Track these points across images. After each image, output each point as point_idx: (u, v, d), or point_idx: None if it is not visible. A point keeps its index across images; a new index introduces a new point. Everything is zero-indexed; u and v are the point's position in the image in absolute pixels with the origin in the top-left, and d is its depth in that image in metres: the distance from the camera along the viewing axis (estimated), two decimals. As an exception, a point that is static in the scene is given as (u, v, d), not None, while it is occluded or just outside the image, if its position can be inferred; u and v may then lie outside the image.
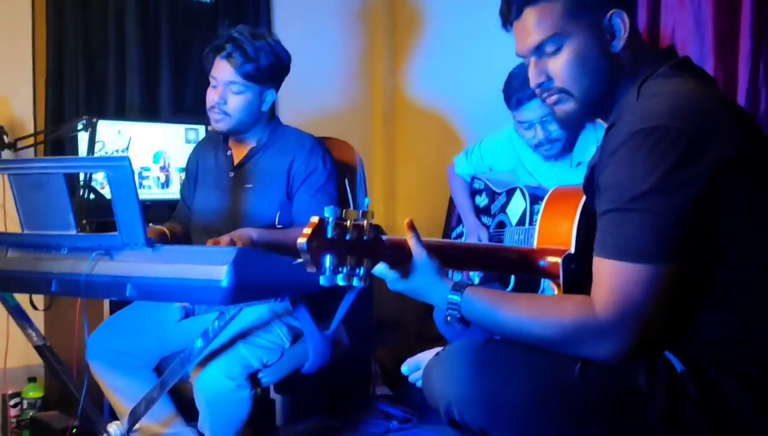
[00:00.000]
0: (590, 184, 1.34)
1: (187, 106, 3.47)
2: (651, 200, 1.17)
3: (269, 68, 2.20)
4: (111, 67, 3.22)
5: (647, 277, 1.17)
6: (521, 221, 2.43)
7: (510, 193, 2.54)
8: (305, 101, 3.73)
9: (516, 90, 2.41)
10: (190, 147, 3.24)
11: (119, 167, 1.56)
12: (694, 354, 1.23)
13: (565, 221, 1.43)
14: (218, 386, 1.86)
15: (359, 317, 2.51)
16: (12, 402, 2.87)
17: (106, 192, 2.94)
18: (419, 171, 4.18)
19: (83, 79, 3.13)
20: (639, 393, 1.21)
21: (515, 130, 2.66)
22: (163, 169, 3.17)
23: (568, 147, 2.47)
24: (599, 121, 2.53)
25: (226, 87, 2.18)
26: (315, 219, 1.17)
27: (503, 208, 2.55)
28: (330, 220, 1.18)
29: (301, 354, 2.02)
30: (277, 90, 2.29)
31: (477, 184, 2.76)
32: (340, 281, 1.20)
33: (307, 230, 1.17)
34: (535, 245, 1.49)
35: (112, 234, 1.63)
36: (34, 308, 2.71)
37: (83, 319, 2.19)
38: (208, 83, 3.45)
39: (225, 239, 1.92)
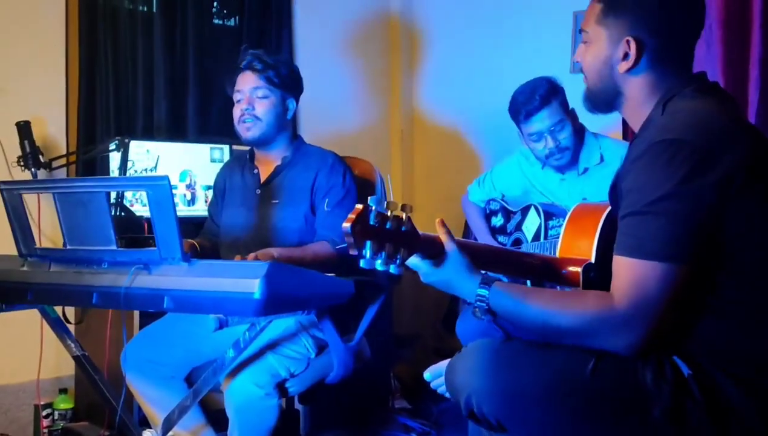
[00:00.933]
0: (614, 191, 1.45)
1: (212, 126, 3.58)
2: (667, 205, 1.28)
3: (288, 76, 2.37)
4: (140, 89, 3.33)
5: (661, 274, 1.27)
6: (536, 237, 2.52)
7: (525, 211, 2.63)
8: (325, 121, 3.83)
9: (523, 103, 2.52)
10: (215, 166, 3.35)
11: (159, 186, 1.65)
12: (699, 358, 1.32)
13: (586, 234, 1.53)
14: (248, 393, 1.95)
15: (379, 332, 2.59)
16: (44, 413, 2.97)
17: (136, 209, 3.06)
18: (437, 189, 4.26)
19: (113, 101, 3.24)
20: (645, 391, 1.30)
21: (521, 154, 2.76)
22: (189, 187, 3.27)
23: (574, 158, 2.57)
24: (600, 134, 2.64)
25: (252, 94, 2.33)
26: (359, 206, 1.27)
27: (519, 227, 2.64)
28: (373, 208, 1.27)
29: (325, 365, 2.10)
30: (296, 101, 2.42)
31: (493, 206, 2.85)
32: (379, 265, 1.29)
33: (352, 215, 1.26)
34: (557, 254, 1.58)
35: (151, 249, 1.72)
36: (67, 321, 2.83)
37: (121, 330, 2.31)
38: (233, 103, 3.59)
39: (251, 256, 2.02)
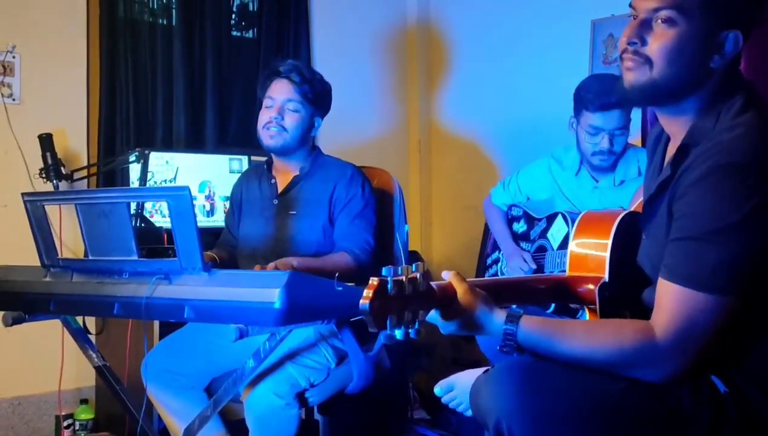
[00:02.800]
0: (653, 203, 1.39)
1: (231, 137, 3.60)
2: (731, 235, 1.22)
3: (321, 94, 2.36)
4: (159, 101, 3.36)
5: (713, 306, 1.23)
6: (563, 245, 2.50)
7: (551, 219, 2.61)
8: (343, 131, 3.84)
9: (599, 94, 2.43)
10: (234, 176, 3.36)
11: (180, 197, 1.66)
12: (736, 378, 1.28)
13: (597, 247, 1.49)
14: (268, 403, 1.95)
15: (398, 343, 2.58)
16: (65, 423, 2.98)
17: (156, 220, 3.07)
18: (455, 199, 4.26)
19: (133, 113, 3.27)
20: (682, 412, 1.26)
21: (553, 158, 2.73)
22: (208, 198, 3.28)
23: (613, 166, 2.54)
24: (639, 146, 2.61)
25: (283, 104, 2.32)
26: (375, 281, 1.19)
27: (543, 234, 2.61)
28: (389, 279, 1.20)
29: (345, 375, 2.09)
30: (322, 119, 2.42)
31: (515, 212, 2.83)
32: (399, 335, 1.23)
33: (368, 293, 1.18)
34: (566, 271, 1.55)
35: (172, 259, 1.73)
36: (88, 332, 2.84)
37: (142, 340, 2.32)
38: (251, 115, 3.64)
39: (270, 266, 2.02)
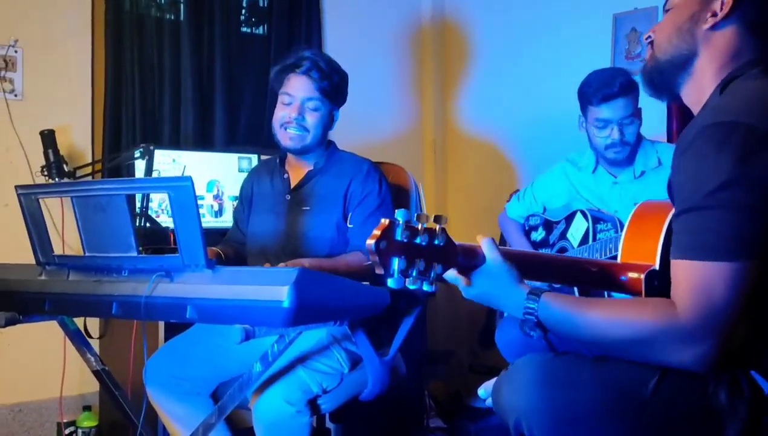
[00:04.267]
0: (670, 190, 1.32)
1: (240, 135, 3.51)
2: (726, 194, 1.13)
3: (339, 86, 2.25)
4: (166, 98, 3.27)
5: (728, 275, 1.12)
6: (584, 241, 2.39)
7: (569, 218, 2.51)
8: (356, 131, 3.72)
9: (601, 87, 2.39)
10: (243, 176, 3.26)
11: (181, 188, 1.55)
12: None
13: (651, 236, 1.38)
14: (278, 411, 1.82)
15: (412, 348, 2.47)
16: (67, 431, 2.88)
17: (162, 220, 2.97)
18: (470, 199, 4.14)
19: (139, 110, 3.19)
20: (718, 411, 1.16)
21: (568, 161, 2.63)
22: (216, 197, 3.18)
23: (629, 159, 2.46)
24: (656, 141, 2.50)
25: (303, 103, 2.20)
26: (385, 221, 1.15)
27: (563, 235, 2.50)
28: (400, 222, 1.15)
29: (359, 380, 1.96)
30: (339, 110, 2.32)
31: (532, 221, 2.72)
32: (410, 283, 1.17)
33: (376, 232, 1.15)
34: (618, 259, 1.43)
35: (173, 255, 1.61)
36: (89, 335, 2.74)
37: (143, 343, 2.20)
38: (260, 113, 3.54)
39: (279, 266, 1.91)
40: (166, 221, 3.01)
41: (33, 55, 2.97)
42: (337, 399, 1.95)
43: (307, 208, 2.22)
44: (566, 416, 1.18)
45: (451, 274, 1.28)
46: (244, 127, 3.53)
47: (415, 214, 1.17)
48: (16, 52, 2.92)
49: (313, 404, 1.88)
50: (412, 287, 1.18)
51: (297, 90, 2.21)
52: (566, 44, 3.60)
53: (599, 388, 1.19)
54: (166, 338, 2.44)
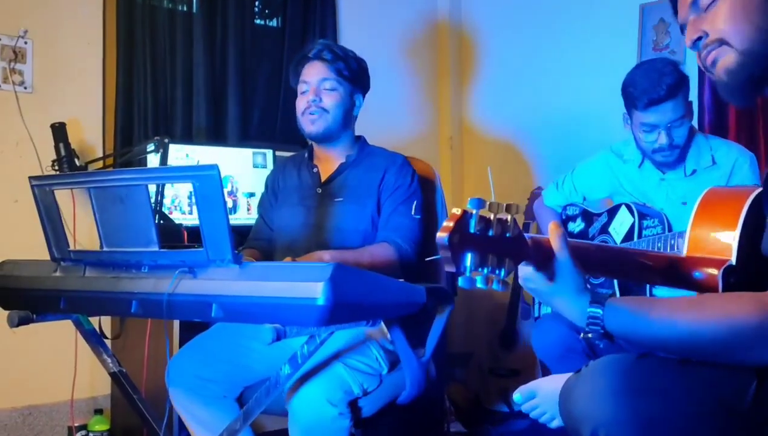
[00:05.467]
0: None
1: (254, 130, 3.42)
2: None
3: (357, 70, 2.21)
4: (179, 92, 3.18)
5: None
6: (629, 237, 2.26)
7: (612, 211, 2.38)
8: (372, 128, 3.63)
9: (647, 90, 2.20)
10: (258, 171, 3.18)
11: (207, 177, 1.45)
12: None
13: (723, 227, 1.26)
14: (319, 412, 1.70)
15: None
16: (78, 435, 2.77)
17: (175, 217, 2.87)
18: (487, 197, 4.04)
19: (151, 103, 3.10)
20: None
21: (612, 151, 2.50)
22: (230, 194, 3.08)
23: (680, 157, 2.31)
24: (710, 135, 2.39)
25: (319, 85, 2.16)
26: (457, 211, 1.04)
27: (604, 229, 2.38)
28: (474, 212, 1.04)
29: (398, 382, 1.85)
30: (362, 98, 2.26)
31: (570, 211, 2.59)
32: (480, 283, 1.06)
33: (449, 223, 1.03)
34: (684, 253, 1.31)
35: (197, 250, 1.51)
36: (104, 336, 2.64)
37: (164, 343, 2.10)
38: (274, 107, 3.45)
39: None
40: (179, 217, 2.91)
41: (43, 46, 2.88)
42: (377, 402, 1.84)
43: (340, 199, 2.14)
44: (653, 427, 1.05)
45: (523, 270, 1.17)
46: (258, 121, 3.44)
47: (488, 203, 1.06)
48: (26, 43, 2.83)
49: (353, 407, 1.78)
50: (482, 287, 1.07)
51: (311, 75, 2.18)
52: (591, 36, 3.50)
53: (690, 396, 1.07)
54: (182, 339, 2.34)
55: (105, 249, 1.62)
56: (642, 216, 2.26)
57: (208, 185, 1.46)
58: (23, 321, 1.75)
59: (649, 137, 2.27)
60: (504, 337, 3.52)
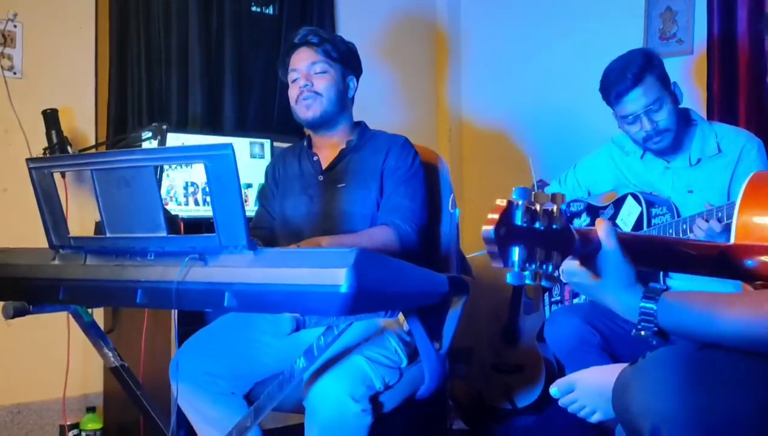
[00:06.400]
0: None
1: (250, 119, 3.33)
2: None
3: (346, 52, 2.15)
4: (173, 79, 3.08)
5: None
6: (638, 226, 2.20)
7: (618, 202, 2.33)
8: (370, 119, 3.54)
9: (613, 83, 2.21)
10: (255, 162, 3.09)
11: (221, 157, 1.37)
12: None
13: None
14: (341, 408, 1.60)
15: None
16: (70, 434, 2.67)
17: (171, 208, 2.78)
18: (487, 191, 3.97)
19: (146, 91, 3.00)
20: None
21: (614, 144, 2.46)
22: (227, 185, 2.99)
23: (678, 145, 2.26)
24: (715, 122, 2.33)
25: (309, 70, 2.10)
26: (503, 202, 0.95)
27: (611, 222, 2.32)
28: (520, 203, 0.95)
29: (417, 376, 1.77)
30: (357, 78, 2.20)
31: (575, 207, 2.53)
32: (528, 278, 0.98)
33: (494, 215, 0.94)
34: (732, 240, 1.23)
35: (209, 235, 1.42)
36: (98, 330, 2.54)
37: (167, 337, 1.99)
38: (271, 96, 3.35)
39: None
40: (174, 209, 2.82)
41: (33, 30, 2.77)
42: (397, 397, 1.75)
43: (343, 184, 2.06)
44: (720, 423, 0.97)
45: (569, 265, 1.09)
46: (255, 110, 3.35)
47: (532, 193, 0.97)
48: (15, 27, 2.72)
49: (375, 402, 1.69)
50: (530, 283, 0.98)
51: (300, 62, 2.12)
52: (594, 25, 3.44)
53: (759, 389, 0.98)
54: (180, 334, 2.24)
55: (108, 235, 1.52)
56: (650, 204, 2.21)
57: (222, 166, 1.38)
58: (18, 313, 1.64)
59: (633, 128, 2.25)
60: (506, 332, 3.44)
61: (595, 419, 1.40)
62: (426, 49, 4.02)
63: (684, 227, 2.12)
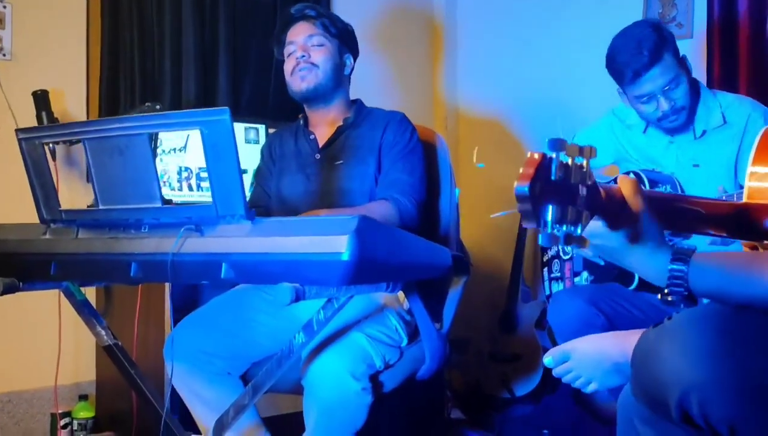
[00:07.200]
0: None
1: (245, 104, 3.27)
2: None
3: (344, 30, 2.13)
4: (167, 62, 3.02)
5: None
6: None
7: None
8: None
9: (627, 62, 2.11)
10: (250, 147, 3.03)
11: (217, 122, 1.32)
12: None
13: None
14: (341, 386, 1.55)
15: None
16: (62, 423, 2.62)
17: (165, 193, 2.72)
18: (484, 182, 3.92)
19: (138, 73, 2.93)
20: None
21: (614, 115, 2.40)
22: (222, 170, 2.94)
23: (689, 118, 2.20)
24: (719, 91, 2.28)
25: (306, 42, 2.07)
26: (536, 155, 0.88)
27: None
28: (556, 157, 0.88)
29: (418, 355, 1.72)
30: (353, 59, 2.17)
31: None
32: (562, 242, 0.91)
33: (529, 170, 0.86)
34: (744, 198, 1.19)
35: (205, 204, 1.38)
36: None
37: (163, 316, 1.94)
38: (266, 80, 3.30)
39: None
40: (168, 193, 2.76)
41: (23, 11, 2.71)
42: (397, 376, 1.71)
43: (341, 161, 2.03)
44: (763, 391, 0.92)
45: (595, 226, 1.01)
46: (249, 94, 3.28)
47: (565, 145, 0.90)
48: (4, 7, 2.66)
49: (374, 382, 1.64)
50: (562, 246, 0.92)
51: (297, 34, 2.09)
52: (592, 11, 3.39)
53: None
54: (176, 315, 2.19)
55: (101, 207, 1.47)
56: (652, 183, 2.15)
57: (219, 132, 1.33)
58: (8, 289, 1.58)
59: (648, 108, 2.16)
60: (504, 321, 3.41)
61: (590, 389, 1.36)
62: (422, 38, 3.98)
63: None
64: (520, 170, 0.87)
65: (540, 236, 0.90)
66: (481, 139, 3.95)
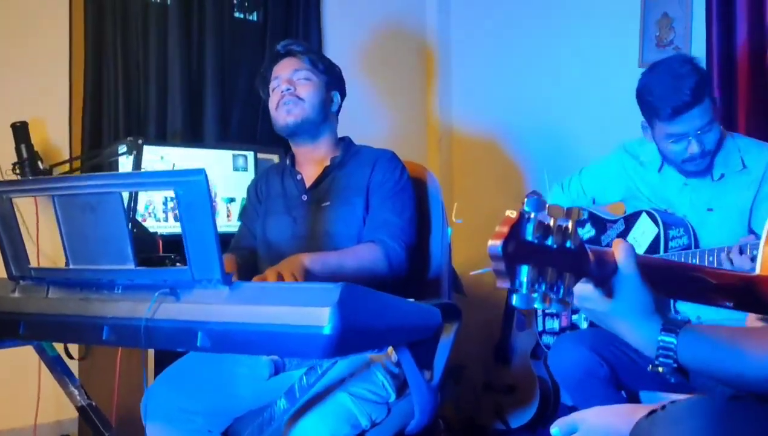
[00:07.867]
0: None
1: (233, 131, 3.21)
2: None
3: (330, 67, 2.08)
4: (152, 89, 2.97)
5: None
6: (653, 250, 2.06)
7: (631, 219, 2.17)
8: (358, 128, 3.43)
9: (667, 98, 1.99)
10: (238, 175, 2.98)
11: (192, 183, 1.24)
12: None
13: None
14: None
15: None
16: (42, 464, 2.54)
17: (149, 224, 2.65)
18: (478, 204, 3.86)
19: (123, 102, 2.88)
20: None
21: (625, 151, 2.31)
22: (209, 199, 2.87)
23: (710, 164, 2.12)
24: (737, 135, 2.22)
25: (292, 76, 2.01)
26: (512, 214, 0.86)
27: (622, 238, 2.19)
28: (532, 216, 0.86)
29: (406, 410, 1.65)
30: (341, 96, 2.11)
31: None
32: (537, 301, 0.87)
33: (503, 229, 0.85)
34: (757, 271, 1.13)
35: (180, 268, 1.31)
36: (70, 356, 2.42)
37: (140, 368, 1.87)
38: (255, 107, 3.23)
39: (271, 273, 1.62)
40: (153, 225, 2.69)
41: (3, 39, 2.66)
42: (385, 434, 1.64)
43: (327, 203, 1.95)
44: None
45: (583, 288, 0.98)
46: (238, 122, 3.23)
47: (546, 205, 0.87)
48: (-18, 35, 2.59)
49: None
50: (539, 307, 0.89)
51: (283, 69, 2.03)
52: (588, 33, 3.33)
53: None
54: (158, 366, 2.11)
55: (72, 266, 1.40)
56: (667, 226, 2.07)
57: (194, 193, 1.26)
58: (-24, 347, 1.52)
59: (677, 147, 2.06)
60: (499, 351, 3.34)
61: None
62: (415, 60, 3.91)
63: (711, 258, 1.95)
64: (496, 229, 0.85)
65: (515, 295, 0.86)
66: (475, 163, 3.89)
